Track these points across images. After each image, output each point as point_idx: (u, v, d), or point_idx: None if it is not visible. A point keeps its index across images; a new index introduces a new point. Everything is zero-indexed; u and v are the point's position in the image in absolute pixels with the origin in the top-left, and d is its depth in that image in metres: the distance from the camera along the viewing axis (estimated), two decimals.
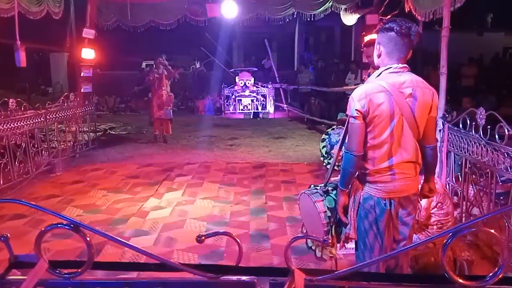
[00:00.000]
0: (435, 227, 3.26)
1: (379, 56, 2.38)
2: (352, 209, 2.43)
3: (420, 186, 2.53)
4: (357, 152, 2.31)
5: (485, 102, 7.29)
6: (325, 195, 2.62)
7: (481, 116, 3.80)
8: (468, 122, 4.10)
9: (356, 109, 2.27)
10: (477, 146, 3.91)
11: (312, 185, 2.80)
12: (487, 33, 17.90)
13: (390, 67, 2.31)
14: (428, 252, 3.10)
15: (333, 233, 2.57)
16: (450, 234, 0.82)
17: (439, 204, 3.26)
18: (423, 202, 3.05)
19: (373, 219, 2.37)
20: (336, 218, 2.55)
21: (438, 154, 2.51)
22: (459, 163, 4.45)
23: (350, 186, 2.45)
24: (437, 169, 4.89)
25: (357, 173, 2.42)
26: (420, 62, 16.05)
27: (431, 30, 9.00)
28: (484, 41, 17.10)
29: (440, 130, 4.85)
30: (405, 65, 2.33)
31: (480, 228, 1.03)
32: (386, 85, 2.26)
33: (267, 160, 7.36)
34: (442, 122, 4.80)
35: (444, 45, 5.00)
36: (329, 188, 2.64)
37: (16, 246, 0.88)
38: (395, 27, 2.28)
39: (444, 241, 0.83)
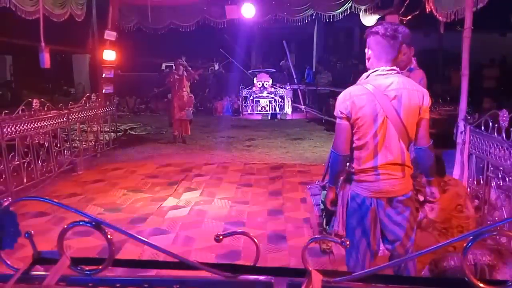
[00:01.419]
0: (455, 230, 3.20)
1: (368, 59, 2.45)
2: (341, 206, 2.50)
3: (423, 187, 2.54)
4: (342, 152, 2.40)
5: (508, 103, 7.13)
6: (322, 190, 2.76)
7: (503, 118, 3.72)
8: (491, 124, 4.02)
9: (340, 111, 2.37)
10: (499, 148, 3.83)
11: (317, 181, 2.92)
12: (510, 34, 17.48)
13: (377, 70, 2.36)
14: (448, 256, 3.04)
15: (324, 226, 2.68)
16: (471, 237, 0.81)
17: (459, 207, 3.20)
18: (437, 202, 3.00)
19: (359, 217, 2.43)
20: (328, 213, 2.64)
21: (431, 156, 2.46)
22: (481, 165, 4.36)
23: (339, 183, 2.54)
24: (458, 172, 4.81)
25: (345, 171, 2.50)
26: (442, 63, 15.80)
27: (452, 31, 8.85)
28: (507, 42, 16.72)
29: (461, 132, 4.76)
30: (393, 67, 2.36)
31: (502, 232, 1.00)
32: (370, 88, 2.31)
33: (285, 161, 7.35)
34: (464, 124, 4.71)
35: (466, 46, 4.91)
36: (326, 184, 2.74)
37: (39, 242, 0.91)
38: (380, 30, 2.33)
39: (465, 245, 0.82)
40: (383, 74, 2.34)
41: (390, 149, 2.33)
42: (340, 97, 2.39)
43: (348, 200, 2.47)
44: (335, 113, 2.42)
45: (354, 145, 2.40)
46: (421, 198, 2.56)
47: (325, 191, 2.70)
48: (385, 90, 2.30)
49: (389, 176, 2.35)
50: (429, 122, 2.41)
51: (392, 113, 2.29)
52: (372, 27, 2.42)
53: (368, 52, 2.43)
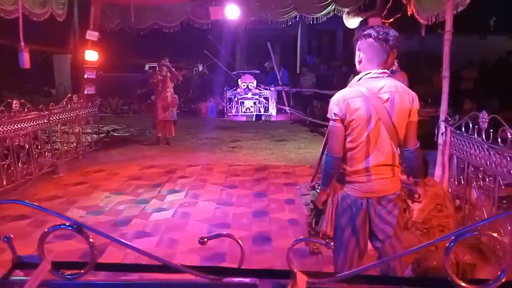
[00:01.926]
0: (436, 230, 3.25)
1: (359, 62, 2.46)
2: (330, 206, 2.54)
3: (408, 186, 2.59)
4: (336, 154, 2.41)
5: (488, 105, 7.28)
6: (311, 190, 2.79)
7: (483, 120, 3.80)
8: (471, 125, 4.10)
9: (334, 113, 2.38)
10: (479, 149, 3.90)
11: (306, 182, 2.98)
12: (490, 37, 17.88)
13: (370, 73, 2.39)
14: (430, 256, 3.09)
15: (313, 226, 2.70)
16: (453, 237, 0.82)
17: (439, 206, 3.25)
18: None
19: (349, 217, 2.47)
20: (318, 213, 2.67)
21: (419, 157, 2.51)
22: (462, 166, 4.44)
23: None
24: (439, 172, 4.88)
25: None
26: (424, 66, 16.05)
27: (433, 34, 9.00)
28: (487, 45, 17.08)
29: (442, 134, 4.84)
30: (384, 70, 2.39)
31: (483, 231, 1.02)
32: (364, 90, 2.34)
33: (269, 163, 7.36)
34: (445, 126, 4.79)
35: (447, 49, 5.00)
36: (315, 184, 2.78)
37: (19, 246, 0.89)
38: (372, 34, 2.36)
39: (447, 245, 0.83)
40: (375, 77, 2.37)
41: (382, 150, 2.37)
42: (333, 100, 2.40)
43: (339, 201, 2.50)
44: (328, 116, 2.43)
45: (346, 147, 2.42)
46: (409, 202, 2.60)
47: (315, 191, 2.73)
48: (378, 92, 2.33)
49: (380, 176, 2.39)
50: (417, 125, 2.45)
51: (385, 116, 2.32)
52: (363, 30, 2.44)
53: (359, 55, 2.44)
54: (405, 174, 2.70)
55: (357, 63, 2.49)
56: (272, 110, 12.91)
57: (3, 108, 5.68)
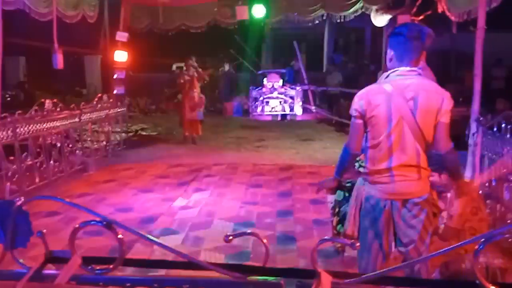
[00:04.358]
0: (467, 232, 3.16)
1: (390, 60, 2.42)
2: (354, 207, 2.51)
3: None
4: (354, 150, 2.43)
5: None
6: (338, 189, 2.81)
7: None
8: (504, 125, 3.97)
9: (355, 109, 2.38)
10: None
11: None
12: None
13: (397, 70, 2.34)
14: (459, 259, 3.01)
15: (334, 224, 2.72)
16: (482, 240, 0.80)
17: (474, 209, 3.16)
18: (455, 207, 2.97)
19: (373, 219, 2.42)
20: (340, 213, 2.65)
21: (452, 159, 2.40)
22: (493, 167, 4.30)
23: (357, 181, 2.57)
24: (470, 173, 4.76)
25: (360, 171, 2.54)
26: (454, 64, 15.64)
27: (465, 31, 8.74)
28: None
29: (473, 134, 4.71)
30: (414, 68, 2.34)
31: None
32: (388, 87, 2.30)
33: (295, 162, 7.34)
34: (477, 125, 4.66)
35: (479, 47, 4.86)
36: (343, 184, 2.79)
37: (51, 241, 0.92)
38: (404, 31, 2.32)
39: (476, 247, 0.81)
40: (403, 75, 2.32)
41: (405, 150, 2.30)
42: (357, 96, 2.40)
43: (362, 201, 2.47)
44: (350, 111, 2.43)
45: (368, 144, 2.39)
46: (442, 205, 2.53)
47: (341, 191, 2.72)
48: (403, 90, 2.28)
49: (404, 178, 2.32)
50: (448, 126, 2.32)
51: (408, 114, 2.26)
52: (395, 27, 2.43)
53: (390, 52, 2.41)
54: (436, 175, 2.62)
55: (388, 61, 2.44)
56: (298, 110, 12.84)
57: (36, 107, 5.87)
